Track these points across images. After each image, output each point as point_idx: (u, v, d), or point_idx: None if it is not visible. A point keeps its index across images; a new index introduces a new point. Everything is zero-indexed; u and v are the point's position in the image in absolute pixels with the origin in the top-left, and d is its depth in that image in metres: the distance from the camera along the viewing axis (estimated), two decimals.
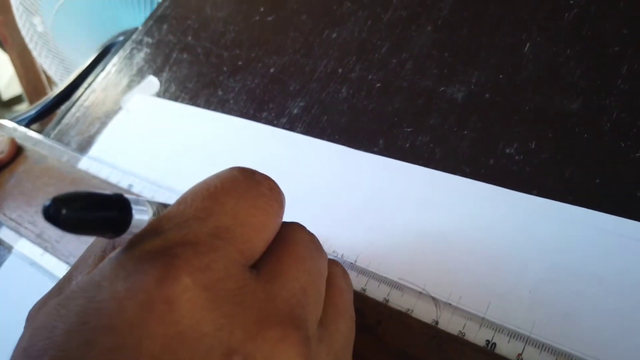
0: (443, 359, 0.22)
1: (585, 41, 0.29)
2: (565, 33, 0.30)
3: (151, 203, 0.16)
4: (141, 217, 0.15)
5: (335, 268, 0.21)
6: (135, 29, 0.48)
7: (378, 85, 0.33)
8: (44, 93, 1.46)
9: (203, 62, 0.42)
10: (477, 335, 0.22)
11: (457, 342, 0.22)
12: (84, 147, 0.41)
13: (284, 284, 0.16)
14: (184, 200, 0.16)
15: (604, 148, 0.25)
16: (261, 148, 0.34)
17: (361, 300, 0.24)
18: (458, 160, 0.28)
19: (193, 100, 0.39)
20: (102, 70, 0.47)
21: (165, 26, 0.47)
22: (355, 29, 0.37)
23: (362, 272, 0.26)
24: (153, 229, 0.15)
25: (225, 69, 0.40)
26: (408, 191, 0.28)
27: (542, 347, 0.21)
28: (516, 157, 0.27)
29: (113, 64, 0.47)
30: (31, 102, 1.50)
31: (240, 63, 0.40)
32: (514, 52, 0.30)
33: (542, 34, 0.30)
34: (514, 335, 0.22)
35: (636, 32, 0.28)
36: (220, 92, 0.39)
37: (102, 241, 0.20)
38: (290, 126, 0.34)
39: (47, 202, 0.12)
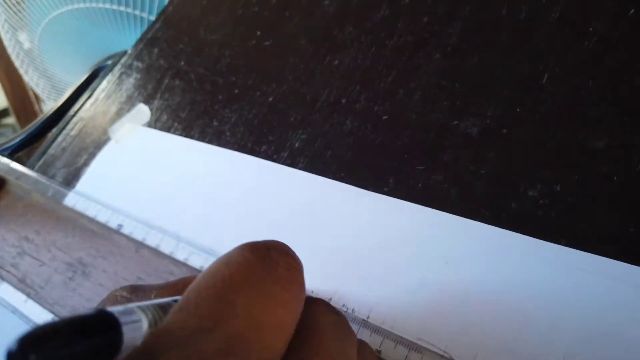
0: None
1: (608, 71, 0.27)
2: (586, 63, 0.28)
3: (144, 309, 0.13)
4: (134, 334, 0.12)
5: (365, 347, 0.19)
6: (125, 52, 0.46)
7: (385, 117, 0.31)
8: (32, 109, 1.42)
9: (197, 89, 0.39)
10: None
11: None
12: (70, 180, 0.39)
13: None
14: (186, 304, 0.13)
15: (636, 191, 0.23)
16: (261, 185, 0.32)
17: None
18: (476, 202, 0.26)
19: (186, 131, 0.37)
20: (89, 96, 0.44)
21: (156, 50, 0.44)
22: (359, 55, 0.35)
23: (376, 330, 0.24)
24: (148, 352, 0.12)
25: (220, 97, 0.38)
26: (424, 238, 0.26)
27: None
28: (540, 201, 0.25)
29: (102, 90, 0.44)
30: (18, 117, 1.47)
31: (236, 91, 0.38)
32: (531, 83, 0.28)
33: (561, 64, 0.28)
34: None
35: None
36: (215, 123, 0.36)
37: None
38: (292, 161, 0.32)
39: (12, 346, 0.10)
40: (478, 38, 0.32)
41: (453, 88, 0.30)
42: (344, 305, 0.25)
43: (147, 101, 0.41)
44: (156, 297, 0.16)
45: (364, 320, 0.24)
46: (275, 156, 0.33)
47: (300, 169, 0.31)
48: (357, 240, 0.27)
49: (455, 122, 0.29)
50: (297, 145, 0.32)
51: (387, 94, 0.32)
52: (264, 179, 0.32)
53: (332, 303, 0.25)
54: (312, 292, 0.26)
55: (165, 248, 0.31)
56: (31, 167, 0.41)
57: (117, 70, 0.45)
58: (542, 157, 0.26)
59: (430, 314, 0.23)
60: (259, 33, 0.40)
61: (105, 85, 0.44)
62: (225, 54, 0.40)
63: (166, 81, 0.41)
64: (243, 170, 0.33)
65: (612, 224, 0.23)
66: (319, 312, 0.16)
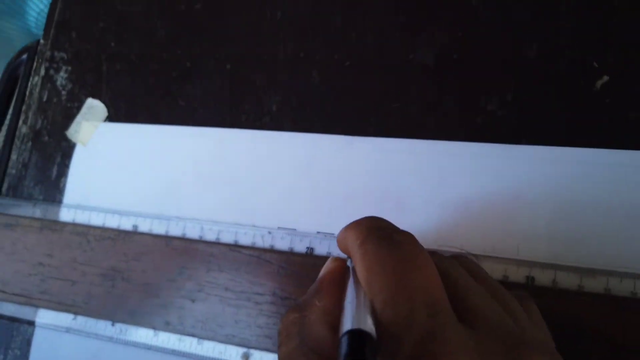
0: None
1: None
2: None
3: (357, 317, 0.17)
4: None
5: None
6: (37, 43, 0.43)
7: (347, 63, 0.35)
8: None
9: (143, 70, 0.39)
10: (518, 273, 0.28)
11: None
12: (52, 195, 0.39)
13: (496, 321, 0.19)
14: (393, 300, 0.17)
15: (567, 88, 0.30)
16: (257, 154, 0.35)
17: None
18: (449, 126, 0.32)
19: (154, 117, 0.38)
20: (20, 101, 0.42)
21: (73, 34, 0.42)
22: (298, 4, 0.37)
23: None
24: (394, 340, 0.16)
25: (174, 74, 0.38)
26: (421, 167, 0.31)
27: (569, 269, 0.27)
28: (498, 112, 0.31)
29: (32, 92, 0.42)
30: None
31: (188, 64, 0.38)
32: (464, 6, 0.33)
33: None
34: (546, 266, 0.28)
35: None
36: (182, 102, 0.38)
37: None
38: (276, 125, 0.35)
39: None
40: None
41: (398, 22, 0.34)
42: None
43: (94, 94, 0.40)
44: (323, 305, 0.21)
45: None
46: (257, 123, 0.35)
47: (285, 130, 0.35)
48: (365, 182, 0.32)
49: (411, 56, 0.33)
50: (274, 108, 0.35)
51: (341, 40, 0.35)
52: (256, 148, 0.35)
53: None
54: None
55: (192, 234, 0.34)
56: None
57: (39, 66, 0.42)
58: (491, 73, 0.32)
59: (447, 225, 0.30)
60: None
61: (33, 87, 0.42)
62: (156, 25, 0.40)
63: (104, 68, 0.40)
64: (232, 144, 0.35)
65: (553, 118, 0.30)
66: (452, 269, 0.22)
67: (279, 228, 0.33)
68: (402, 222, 0.31)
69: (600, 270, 0.26)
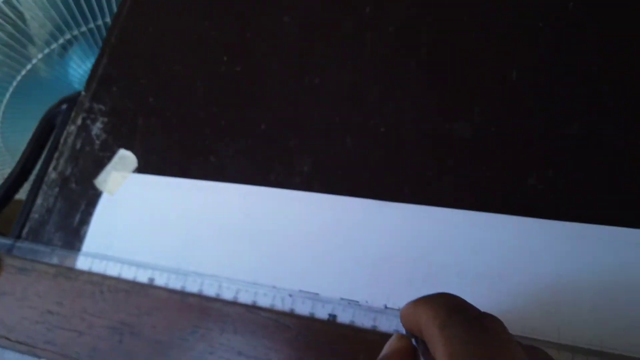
0: None
1: (565, 62, 0.32)
2: (548, 55, 0.33)
3: None
4: None
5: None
6: (78, 94, 0.44)
7: (382, 129, 0.35)
8: None
9: (178, 126, 0.40)
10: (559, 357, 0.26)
11: None
12: (71, 242, 0.38)
13: None
14: None
15: (612, 167, 0.29)
16: (284, 214, 0.34)
17: None
18: (485, 197, 0.31)
19: (183, 172, 0.38)
20: (55, 149, 0.43)
21: (114, 88, 0.43)
22: (337, 72, 0.37)
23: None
24: None
25: (208, 131, 0.39)
26: (453, 237, 0.30)
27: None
28: (539, 187, 0.30)
29: (66, 140, 0.43)
30: None
31: (223, 122, 0.39)
32: (504, 81, 0.33)
33: (524, 58, 0.33)
34: (590, 352, 0.26)
35: (607, 54, 0.32)
36: (213, 159, 0.38)
37: None
38: (306, 187, 0.35)
39: None
40: (446, 42, 0.36)
41: (436, 94, 0.34)
42: (399, 308, 0.29)
43: (127, 146, 0.40)
44: None
45: None
46: (286, 183, 0.35)
47: (316, 192, 0.34)
48: (394, 249, 0.31)
49: (448, 127, 0.33)
50: (305, 169, 0.35)
51: (377, 107, 0.35)
52: (283, 207, 0.34)
53: (387, 308, 0.30)
54: (367, 302, 0.30)
55: (209, 291, 0.33)
56: (16, 236, 0.40)
57: (77, 116, 0.43)
58: (530, 148, 0.31)
59: (482, 301, 0.28)
60: (225, 58, 0.41)
61: (69, 134, 0.43)
62: (195, 84, 0.41)
63: (140, 121, 0.41)
64: (259, 201, 0.35)
65: (601, 197, 0.29)
66: None
67: (300, 291, 0.31)
68: (429, 291, 0.29)
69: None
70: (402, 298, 0.30)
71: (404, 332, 0.22)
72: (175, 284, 0.34)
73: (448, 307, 0.18)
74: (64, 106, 0.44)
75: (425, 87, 0.35)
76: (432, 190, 0.32)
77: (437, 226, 0.31)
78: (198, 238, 0.35)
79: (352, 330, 0.30)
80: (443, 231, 0.30)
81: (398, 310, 0.29)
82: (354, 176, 0.34)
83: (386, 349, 0.22)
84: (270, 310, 0.31)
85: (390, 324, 0.29)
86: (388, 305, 0.30)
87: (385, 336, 0.29)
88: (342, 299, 0.31)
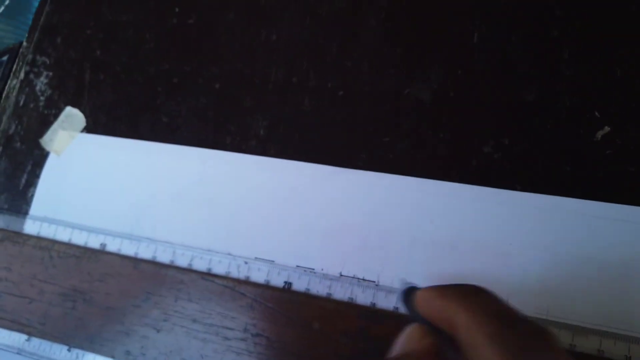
0: None
1: (527, 26, 0.31)
2: (511, 21, 0.32)
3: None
4: None
5: None
6: (19, 44, 0.41)
7: (341, 93, 0.33)
8: None
9: (128, 82, 0.38)
10: None
11: None
12: (18, 205, 0.37)
13: None
14: None
15: (566, 136, 0.29)
16: (237, 178, 0.33)
17: None
18: (441, 165, 0.30)
19: (135, 132, 0.36)
20: None
21: (59, 39, 0.40)
22: (294, 27, 0.35)
23: (390, 290, 0.28)
24: None
25: (159, 88, 0.37)
26: (406, 204, 0.30)
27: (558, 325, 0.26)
28: (494, 155, 0.30)
29: (7, 96, 0.40)
30: None
31: (175, 80, 0.37)
32: (464, 44, 0.32)
33: (487, 21, 0.32)
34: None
35: (570, 15, 0.31)
36: (165, 119, 0.36)
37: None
38: (262, 150, 0.33)
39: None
40: (407, 2, 0.34)
41: (396, 54, 0.33)
42: (354, 276, 0.29)
43: (74, 103, 0.38)
44: None
45: (375, 284, 0.29)
46: (242, 146, 0.34)
47: (271, 156, 0.33)
48: (350, 216, 0.31)
49: (407, 91, 0.32)
50: (262, 133, 0.34)
51: (336, 68, 0.34)
52: (239, 172, 0.33)
53: (342, 275, 0.30)
54: (322, 269, 0.30)
55: (163, 257, 0.32)
56: None
57: (19, 69, 0.40)
58: (488, 115, 0.31)
59: (435, 266, 0.28)
60: (177, 10, 0.38)
61: (11, 90, 0.40)
62: (145, 37, 0.38)
63: (87, 76, 0.39)
64: (214, 166, 0.34)
65: (551, 167, 0.29)
66: None
67: (256, 259, 0.31)
68: (385, 260, 0.29)
69: (593, 330, 0.25)
70: (356, 265, 0.30)
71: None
72: (128, 249, 0.33)
73: (496, 313, 0.17)
74: (4, 58, 0.41)
75: (384, 48, 0.33)
76: (389, 156, 0.31)
77: (392, 193, 0.30)
78: (151, 202, 0.34)
79: (307, 298, 0.30)
80: (398, 198, 0.30)
81: (353, 277, 0.29)
82: (311, 141, 0.33)
83: (407, 344, 0.20)
84: (225, 278, 0.31)
85: (345, 292, 0.29)
86: (343, 273, 0.30)
87: (340, 304, 0.29)
88: (297, 266, 0.30)
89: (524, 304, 0.27)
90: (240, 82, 0.35)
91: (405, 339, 0.20)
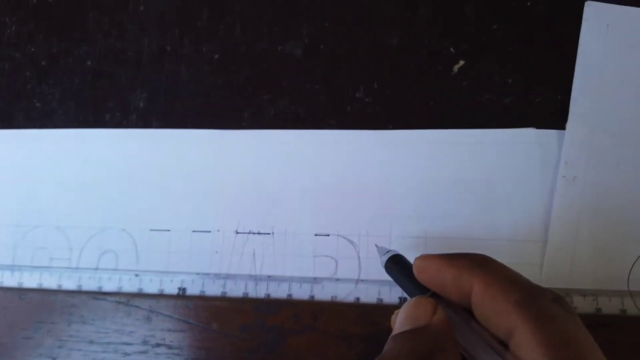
0: None
1: None
2: None
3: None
4: None
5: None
6: None
7: (217, 56, 0.34)
8: None
9: None
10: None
11: None
12: None
13: None
14: None
15: (428, 74, 0.31)
16: (123, 155, 0.33)
17: None
18: (320, 114, 0.32)
19: (8, 121, 0.34)
20: None
21: None
22: None
23: (282, 240, 0.30)
24: None
25: (28, 73, 0.35)
26: (297, 157, 0.31)
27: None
28: (366, 99, 0.31)
29: None
30: None
31: (44, 63, 0.35)
32: None
33: None
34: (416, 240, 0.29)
35: None
36: (38, 104, 0.34)
37: None
38: (145, 124, 0.33)
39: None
40: None
41: (266, 14, 0.34)
42: (250, 231, 0.30)
43: None
44: None
45: (269, 233, 0.30)
46: (124, 122, 0.33)
47: (154, 127, 0.33)
48: (238, 175, 0.31)
49: (280, 48, 0.33)
50: (142, 105, 0.33)
51: (209, 33, 0.34)
52: (122, 148, 0.33)
53: (238, 232, 0.30)
54: (219, 231, 0.31)
55: (50, 283, 0.32)
56: None
57: None
58: (357, 62, 0.32)
59: (324, 211, 0.30)
60: None
61: None
62: (5, 21, 0.36)
63: None
64: (95, 145, 0.33)
65: (417, 104, 0.31)
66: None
67: (147, 271, 0.31)
68: (276, 212, 0.30)
69: (466, 240, 0.28)
70: (251, 221, 0.31)
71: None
72: (10, 282, 0.32)
73: (514, 281, 0.18)
74: None
75: (255, 8, 0.34)
76: (270, 112, 0.32)
77: (277, 148, 0.31)
78: (36, 194, 0.33)
79: (202, 300, 0.30)
80: (283, 152, 0.31)
81: (249, 233, 0.30)
82: (193, 108, 0.33)
83: (418, 317, 0.19)
84: (117, 294, 0.31)
85: (239, 288, 0.30)
86: (239, 230, 0.31)
87: (235, 301, 0.30)
88: (192, 273, 0.31)
89: (405, 230, 0.29)
90: (113, 57, 0.35)
91: (414, 312, 0.19)
